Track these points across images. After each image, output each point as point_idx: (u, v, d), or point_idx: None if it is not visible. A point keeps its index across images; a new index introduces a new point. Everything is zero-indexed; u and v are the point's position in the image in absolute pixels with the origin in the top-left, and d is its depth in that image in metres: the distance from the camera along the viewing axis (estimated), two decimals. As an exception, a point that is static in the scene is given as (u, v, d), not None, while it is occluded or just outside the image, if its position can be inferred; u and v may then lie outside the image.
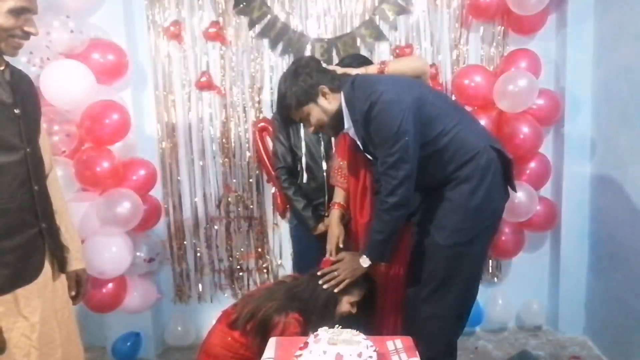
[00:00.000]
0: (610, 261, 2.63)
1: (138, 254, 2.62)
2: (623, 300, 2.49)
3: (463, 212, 1.81)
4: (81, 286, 1.70)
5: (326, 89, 1.85)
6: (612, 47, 2.55)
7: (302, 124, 2.43)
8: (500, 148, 1.85)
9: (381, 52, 2.83)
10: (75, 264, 1.66)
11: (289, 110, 1.93)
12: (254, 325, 1.90)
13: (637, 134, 2.34)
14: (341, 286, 1.94)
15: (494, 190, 1.82)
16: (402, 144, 1.71)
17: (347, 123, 1.88)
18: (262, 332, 1.87)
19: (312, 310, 1.93)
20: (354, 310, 2.00)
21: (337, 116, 1.88)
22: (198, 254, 2.96)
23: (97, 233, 2.45)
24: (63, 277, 1.64)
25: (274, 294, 2.00)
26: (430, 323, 1.96)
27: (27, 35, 1.42)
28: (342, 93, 1.86)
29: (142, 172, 2.63)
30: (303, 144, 2.42)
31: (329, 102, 1.86)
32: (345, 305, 1.99)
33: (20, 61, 2.27)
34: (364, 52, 2.81)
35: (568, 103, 2.74)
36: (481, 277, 2.04)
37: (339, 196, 2.24)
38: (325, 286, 1.95)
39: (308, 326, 1.88)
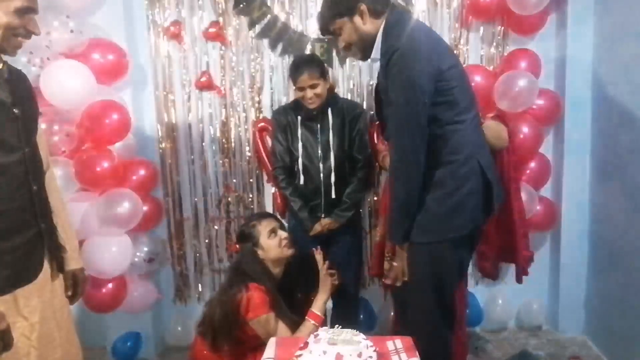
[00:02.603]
0: (610, 261, 2.63)
1: (138, 254, 2.62)
2: (623, 300, 2.49)
3: (431, 215, 1.76)
4: (78, 286, 1.70)
5: (365, 9, 1.74)
6: (612, 47, 2.55)
7: (298, 126, 2.43)
8: (484, 167, 1.77)
9: (381, 52, 2.83)
10: (72, 263, 1.66)
11: (322, 21, 1.86)
12: (216, 329, 1.97)
13: (637, 134, 2.34)
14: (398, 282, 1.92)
15: (469, 204, 1.76)
16: (415, 104, 1.65)
17: (375, 53, 1.79)
18: (230, 325, 1.94)
19: (253, 272, 2.02)
20: (281, 245, 2.10)
21: (368, 41, 1.79)
22: (198, 254, 2.96)
23: (97, 233, 2.46)
24: (62, 277, 1.64)
25: (221, 288, 2.16)
26: (411, 324, 1.94)
27: (29, 35, 1.43)
28: (384, 21, 1.75)
29: (142, 172, 2.63)
30: (300, 145, 2.42)
31: (363, 23, 1.76)
32: (268, 240, 2.08)
33: (20, 61, 2.27)
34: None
35: (568, 103, 2.74)
36: (453, 291, 1.93)
37: None
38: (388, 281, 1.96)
39: (269, 293, 1.96)
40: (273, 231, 2.12)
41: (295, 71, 2.35)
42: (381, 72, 1.79)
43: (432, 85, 1.67)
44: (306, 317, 2.04)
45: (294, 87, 2.39)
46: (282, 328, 1.97)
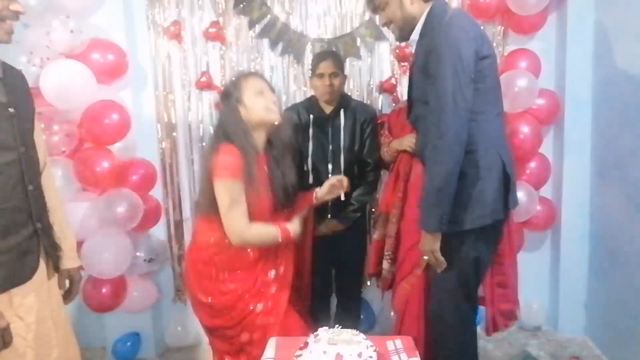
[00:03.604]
0: (610, 261, 2.63)
1: (138, 254, 2.62)
2: (623, 300, 2.49)
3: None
4: (73, 285, 1.68)
5: None
6: (612, 47, 2.55)
7: (310, 125, 2.42)
8: (505, 162, 1.76)
9: (381, 52, 2.83)
10: (67, 262, 1.64)
11: None
12: (201, 197, 1.89)
13: (637, 134, 2.34)
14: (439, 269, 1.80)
15: (489, 195, 1.73)
16: (462, 77, 1.62)
17: (416, 35, 1.80)
18: (209, 191, 1.81)
19: (232, 132, 1.84)
20: (267, 108, 1.88)
21: (409, 22, 1.80)
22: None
23: (97, 233, 2.46)
24: (57, 276, 1.63)
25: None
26: (431, 323, 1.94)
27: (16, 16, 1.40)
28: (430, 6, 1.77)
29: (142, 172, 2.63)
30: (310, 144, 2.41)
31: (410, 2, 1.79)
32: (253, 99, 1.87)
33: (20, 61, 2.28)
34: (363, 52, 2.82)
35: (568, 103, 2.74)
36: (473, 291, 1.89)
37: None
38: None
39: (244, 159, 1.80)
40: (260, 92, 1.90)
41: (318, 58, 2.41)
42: (420, 48, 1.77)
43: (474, 63, 1.65)
44: (276, 224, 1.86)
45: (313, 76, 2.41)
46: (242, 207, 1.79)
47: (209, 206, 1.84)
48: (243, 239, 1.81)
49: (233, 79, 2.02)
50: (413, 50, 1.86)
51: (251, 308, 1.87)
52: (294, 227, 1.88)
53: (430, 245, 1.75)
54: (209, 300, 1.88)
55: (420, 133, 1.91)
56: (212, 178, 1.79)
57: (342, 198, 2.36)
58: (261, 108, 1.87)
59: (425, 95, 1.76)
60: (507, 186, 1.77)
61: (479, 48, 1.68)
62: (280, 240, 1.84)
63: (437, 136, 1.65)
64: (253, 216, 1.82)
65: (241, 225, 1.79)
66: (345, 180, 2.04)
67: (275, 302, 1.90)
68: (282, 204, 1.95)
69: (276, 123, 1.91)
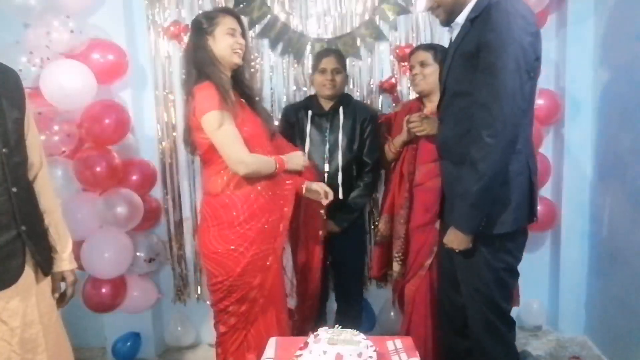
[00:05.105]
0: (610, 261, 2.63)
1: (138, 254, 2.62)
2: (623, 300, 2.49)
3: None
4: (68, 288, 1.65)
5: None
6: (612, 47, 2.55)
7: (307, 123, 2.42)
8: (532, 170, 1.70)
9: (381, 52, 2.83)
10: (61, 264, 1.61)
11: None
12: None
13: (637, 134, 2.34)
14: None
15: (515, 201, 1.66)
16: (522, 73, 1.51)
17: (462, 18, 1.70)
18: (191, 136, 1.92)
19: (202, 61, 1.87)
20: (233, 48, 1.91)
21: (459, 6, 1.71)
22: (198, 254, 2.96)
23: (97, 233, 2.45)
24: (50, 279, 1.59)
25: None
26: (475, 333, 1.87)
27: None
28: None
29: (142, 172, 2.63)
30: (308, 141, 2.40)
31: None
32: (224, 36, 1.90)
33: (20, 61, 2.28)
34: (363, 52, 2.81)
35: (568, 103, 2.74)
36: (505, 301, 1.82)
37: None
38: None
39: (220, 87, 1.81)
40: (232, 31, 1.91)
41: (321, 54, 2.44)
42: (468, 34, 1.66)
43: (531, 60, 1.56)
44: (272, 156, 1.92)
45: (315, 73, 2.42)
46: (235, 135, 1.81)
47: (203, 152, 1.89)
48: (247, 165, 1.82)
49: (208, 12, 2.03)
50: (453, 36, 1.76)
51: (251, 280, 1.92)
52: (287, 158, 1.95)
53: (463, 245, 1.71)
54: (231, 248, 1.88)
55: (446, 125, 1.82)
56: (197, 123, 1.81)
57: (340, 197, 2.37)
58: (228, 46, 1.89)
59: (463, 86, 1.67)
60: (531, 195, 1.72)
61: (536, 47, 1.59)
62: (276, 168, 1.90)
63: (489, 134, 1.54)
64: (252, 148, 1.86)
65: (239, 151, 1.81)
66: (330, 196, 2.04)
67: (267, 274, 1.95)
68: (273, 132, 2.03)
69: (236, 64, 1.93)
